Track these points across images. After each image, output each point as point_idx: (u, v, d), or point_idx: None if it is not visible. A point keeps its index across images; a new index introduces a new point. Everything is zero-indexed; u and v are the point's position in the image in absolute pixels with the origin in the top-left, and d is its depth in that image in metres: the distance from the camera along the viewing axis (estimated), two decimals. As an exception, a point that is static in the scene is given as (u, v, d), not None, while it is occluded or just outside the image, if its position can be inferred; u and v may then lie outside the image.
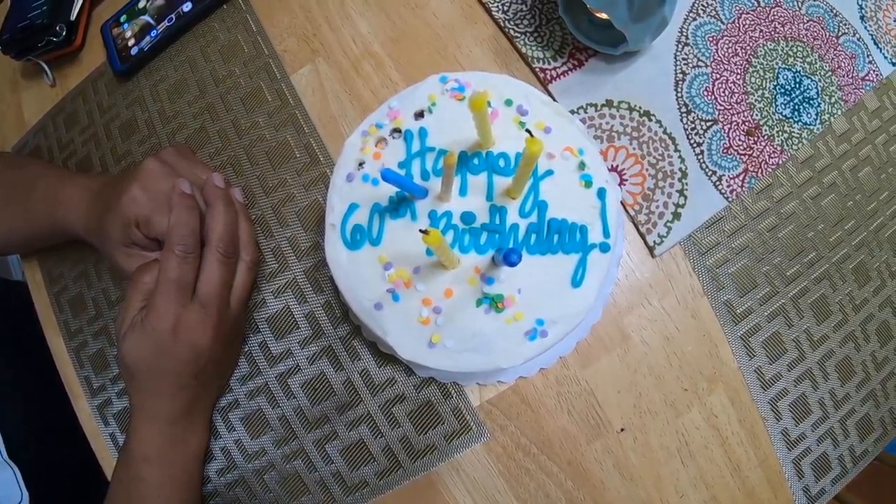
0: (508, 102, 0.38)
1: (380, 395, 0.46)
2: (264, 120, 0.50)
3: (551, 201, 0.36)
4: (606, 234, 0.37)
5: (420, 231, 0.28)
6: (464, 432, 0.46)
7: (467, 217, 0.36)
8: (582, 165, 0.37)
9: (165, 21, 0.52)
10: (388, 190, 0.36)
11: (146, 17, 0.53)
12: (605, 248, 0.36)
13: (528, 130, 0.29)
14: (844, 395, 0.48)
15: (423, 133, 0.37)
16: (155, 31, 0.53)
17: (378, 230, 0.36)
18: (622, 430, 0.46)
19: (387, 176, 0.30)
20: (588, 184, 0.37)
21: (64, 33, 0.55)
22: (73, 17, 0.55)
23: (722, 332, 0.47)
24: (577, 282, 0.36)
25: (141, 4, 0.54)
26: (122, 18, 0.54)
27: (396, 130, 0.38)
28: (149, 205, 0.43)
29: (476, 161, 0.37)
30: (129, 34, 0.54)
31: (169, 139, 0.52)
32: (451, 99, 0.38)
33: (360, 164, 0.38)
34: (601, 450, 0.46)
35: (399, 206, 0.36)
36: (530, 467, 0.46)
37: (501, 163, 0.37)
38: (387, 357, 0.46)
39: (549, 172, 0.37)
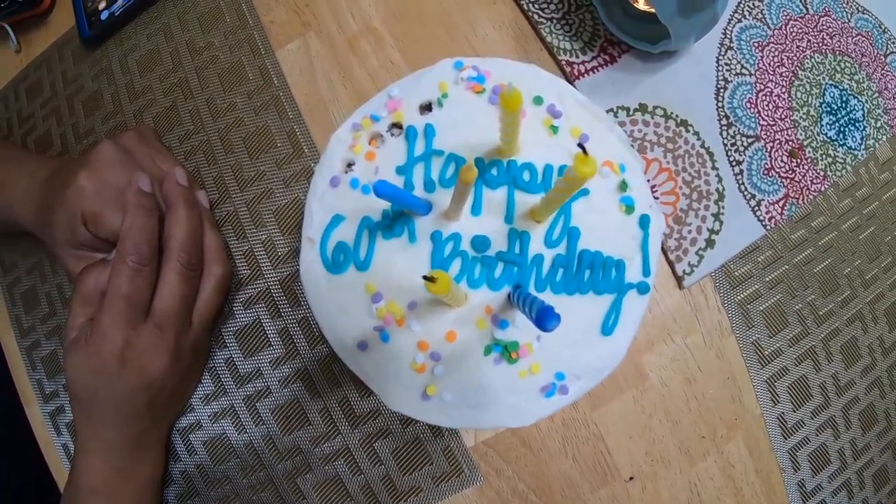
0: (538, 100, 0.27)
1: (361, 427, 0.36)
2: (243, 101, 0.38)
3: (585, 228, 0.26)
4: (647, 271, 0.26)
5: (424, 278, 0.17)
6: (454, 475, 0.36)
7: (480, 243, 0.25)
8: (623, 186, 0.26)
9: (140, -18, 0.40)
10: (381, 201, 0.26)
11: (119, -23, 0.41)
12: (643, 288, 0.26)
13: (580, 146, 0.18)
14: (865, 445, 0.39)
15: (429, 131, 0.26)
16: (128, -6, 0.40)
17: (367, 251, 0.26)
18: (631, 478, 0.36)
19: (381, 191, 0.19)
20: (629, 209, 0.26)
21: (29, -8, 0.43)
22: (41, -25, 0.43)
23: (748, 374, 0.37)
24: (608, 329, 0.26)
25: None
26: (93, -22, 0.41)
27: (396, 126, 0.27)
28: (99, 199, 0.32)
29: (495, 172, 0.26)
30: (100, -4, 0.42)
31: (136, 117, 0.40)
32: (467, 90, 0.27)
33: (349, 166, 0.27)
34: (606, 499, 0.36)
35: (395, 222, 0.26)
36: (526, 515, 0.36)
37: (526, 176, 0.26)
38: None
39: (584, 192, 0.26)
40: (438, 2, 0.38)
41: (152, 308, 0.31)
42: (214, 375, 0.37)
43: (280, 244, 0.37)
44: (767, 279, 0.38)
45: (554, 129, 0.27)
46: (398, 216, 0.26)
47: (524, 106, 0.27)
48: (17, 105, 0.44)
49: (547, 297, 0.26)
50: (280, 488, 0.37)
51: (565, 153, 0.26)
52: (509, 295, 0.25)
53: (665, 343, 0.37)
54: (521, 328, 0.25)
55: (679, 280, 0.36)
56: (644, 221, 0.26)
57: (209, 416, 0.37)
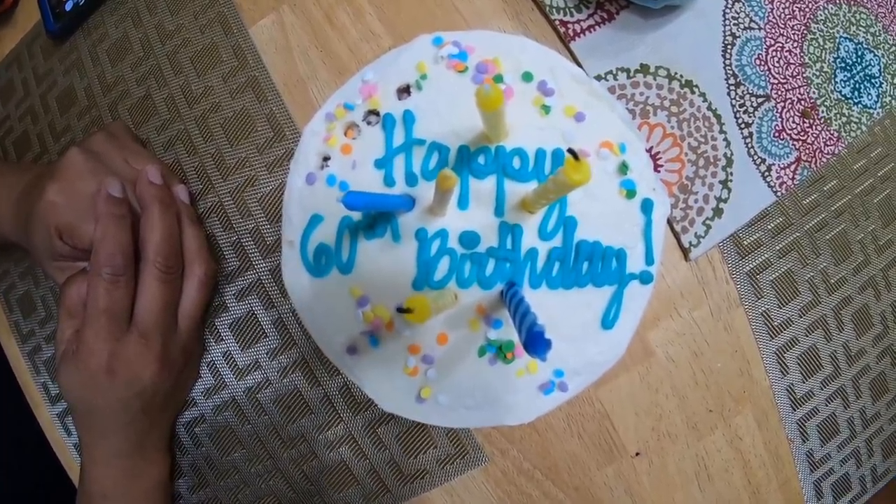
0: (527, 77, 0.24)
1: (363, 414, 0.35)
2: (219, 84, 0.35)
3: (582, 217, 0.23)
4: (650, 260, 0.24)
5: (399, 311, 0.15)
6: (459, 456, 0.35)
7: (469, 239, 0.23)
8: (623, 168, 0.24)
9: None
10: (362, 198, 0.23)
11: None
12: (646, 278, 0.24)
13: (570, 151, 0.16)
14: (874, 414, 0.38)
15: (408, 118, 0.24)
16: (91, -18, 0.37)
17: (349, 253, 0.24)
18: (637, 454, 0.35)
19: (352, 205, 0.17)
20: (630, 193, 0.24)
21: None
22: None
23: (756, 346, 0.35)
24: (608, 322, 0.24)
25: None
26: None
27: (373, 113, 0.24)
28: (70, 211, 0.30)
29: (482, 160, 0.23)
30: (62, -14, 0.38)
31: (111, 110, 0.38)
32: (448, 70, 0.24)
33: (325, 160, 0.25)
34: (613, 475, 0.35)
35: (376, 221, 0.23)
36: (533, 494, 0.35)
37: (516, 163, 0.23)
38: (370, 374, 0.34)
39: (581, 177, 0.24)
40: (420, -37, 0.34)
41: (134, 316, 0.30)
42: (213, 369, 0.36)
43: (268, 233, 0.35)
44: (778, 247, 0.35)
45: (546, 108, 0.24)
46: (380, 214, 0.23)
47: (512, 84, 0.24)
48: (-7, 106, 0.42)
49: (543, 294, 0.23)
50: (287, 476, 0.36)
51: (558, 136, 0.24)
52: (502, 293, 0.23)
53: (671, 318, 0.35)
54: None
55: (685, 252, 0.34)
56: (647, 206, 0.24)
57: (212, 409, 0.36)
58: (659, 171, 0.33)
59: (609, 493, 0.36)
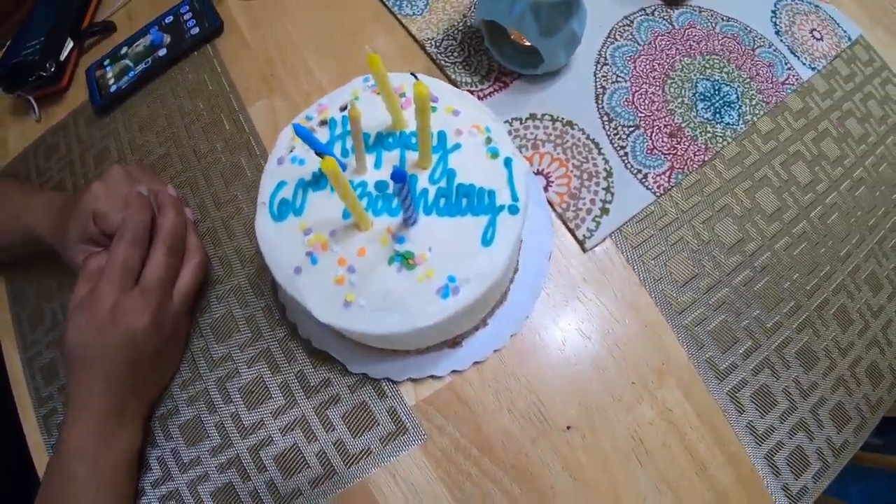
0: (422, 92, 0.44)
1: (314, 396, 0.47)
2: (221, 145, 0.57)
3: (459, 170, 0.40)
4: (515, 198, 0.40)
5: (316, 153, 0.32)
6: (399, 434, 0.46)
7: (381, 185, 0.40)
8: (489, 140, 0.41)
9: (142, 64, 0.62)
10: (313, 166, 0.41)
11: (126, 61, 0.63)
12: (514, 209, 0.40)
13: (412, 74, 0.34)
14: (811, 384, 0.47)
15: (345, 120, 0.43)
16: (132, 72, 0.62)
17: (301, 201, 0.41)
18: (569, 427, 0.45)
19: (299, 131, 0.35)
20: (494, 155, 0.41)
21: (53, 69, 0.64)
22: (63, 57, 0.65)
23: (666, 323, 0.48)
24: (487, 241, 0.39)
25: (123, 51, 0.64)
26: (106, 62, 0.64)
27: (323, 122, 0.44)
28: (107, 201, 0.49)
29: (391, 139, 0.42)
30: (110, 74, 0.64)
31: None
32: (372, 94, 0.44)
33: (291, 150, 0.43)
34: (548, 450, 0.45)
35: (321, 178, 0.41)
36: (472, 472, 0.45)
37: (413, 140, 0.41)
38: (322, 357, 0.48)
39: (457, 146, 0.41)
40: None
41: (141, 277, 0.45)
42: (191, 363, 0.50)
43: (247, 248, 0.52)
44: (667, 238, 0.50)
45: (433, 108, 0.43)
46: (323, 174, 0.41)
47: (410, 97, 0.44)
48: (36, 162, 0.64)
49: (434, 219, 0.39)
50: (245, 463, 0.47)
51: (440, 122, 0.42)
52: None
53: (579, 300, 0.48)
54: (415, 241, 0.39)
55: (581, 244, 0.49)
56: (508, 162, 0.41)
57: (185, 401, 0.49)
58: (550, 187, 0.51)
59: (547, 470, 0.44)
